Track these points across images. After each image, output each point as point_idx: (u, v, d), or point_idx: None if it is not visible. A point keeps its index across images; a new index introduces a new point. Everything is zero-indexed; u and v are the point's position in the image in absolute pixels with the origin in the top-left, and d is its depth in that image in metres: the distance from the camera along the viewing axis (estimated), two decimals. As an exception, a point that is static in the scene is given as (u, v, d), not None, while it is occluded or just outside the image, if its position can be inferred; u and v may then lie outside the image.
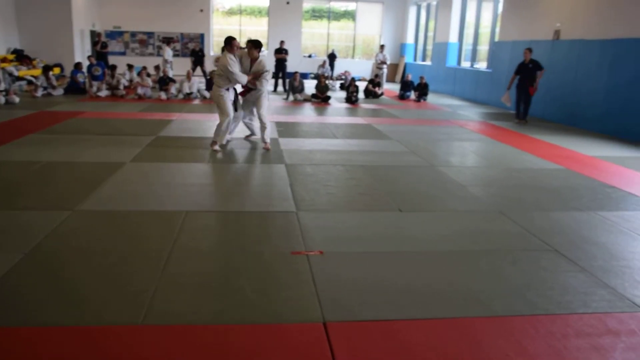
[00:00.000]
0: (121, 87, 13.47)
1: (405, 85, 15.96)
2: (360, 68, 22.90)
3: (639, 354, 2.60)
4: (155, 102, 12.34)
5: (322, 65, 17.79)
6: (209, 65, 17.54)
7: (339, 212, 4.72)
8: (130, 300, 2.93)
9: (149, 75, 14.02)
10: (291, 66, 17.78)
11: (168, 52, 17.39)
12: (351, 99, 13.86)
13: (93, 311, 2.80)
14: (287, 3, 22.33)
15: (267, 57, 7.55)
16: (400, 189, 5.49)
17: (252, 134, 7.93)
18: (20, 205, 4.54)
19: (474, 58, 17.10)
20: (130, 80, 14.76)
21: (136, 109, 11.13)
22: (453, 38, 17.94)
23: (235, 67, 6.81)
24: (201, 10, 22.05)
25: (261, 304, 2.97)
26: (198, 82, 14.06)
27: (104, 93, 13.18)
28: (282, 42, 16.24)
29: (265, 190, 5.45)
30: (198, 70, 17.73)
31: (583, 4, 10.74)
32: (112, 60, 17.08)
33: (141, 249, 3.66)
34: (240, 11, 23.44)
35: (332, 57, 20.64)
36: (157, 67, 15.53)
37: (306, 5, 23.30)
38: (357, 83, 15.02)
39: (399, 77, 22.09)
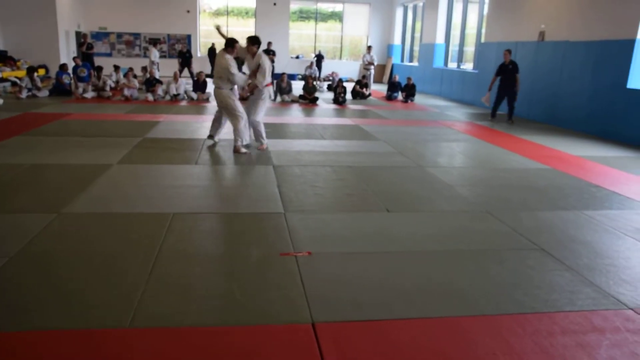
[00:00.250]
0: (107, 88, 13.37)
1: (393, 86, 16.03)
2: (347, 69, 22.96)
3: (623, 351, 2.64)
4: (142, 104, 12.27)
5: (310, 67, 17.81)
6: (197, 67, 17.47)
7: (327, 213, 4.72)
8: (118, 302, 2.91)
9: (135, 76, 13.93)
10: (279, 67, 17.77)
11: (155, 53, 17.30)
12: (339, 100, 13.88)
13: (80, 314, 2.78)
14: (274, 4, 22.33)
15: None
16: (387, 190, 5.50)
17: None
18: (5, 208, 4.48)
19: (460, 59, 17.22)
20: (117, 82, 14.66)
21: (123, 110, 11.06)
22: (440, 39, 18.05)
23: (235, 68, 6.79)
24: (188, 12, 21.96)
25: (249, 305, 2.96)
26: (185, 84, 14.00)
27: (90, 94, 13.08)
28: (269, 44, 16.21)
29: (253, 191, 5.44)
30: (185, 71, 17.66)
31: (567, 5, 10.86)
32: (98, 61, 16.96)
33: (128, 251, 3.63)
34: (227, 12, 23.39)
35: (319, 58, 20.66)
36: (144, 69, 15.44)
37: (293, 7, 23.32)
38: (345, 84, 15.05)
39: (386, 78, 22.17)
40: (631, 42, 9.03)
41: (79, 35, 19.32)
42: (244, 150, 7.03)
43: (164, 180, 5.56)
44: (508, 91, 11.12)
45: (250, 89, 7.12)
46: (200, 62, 20.43)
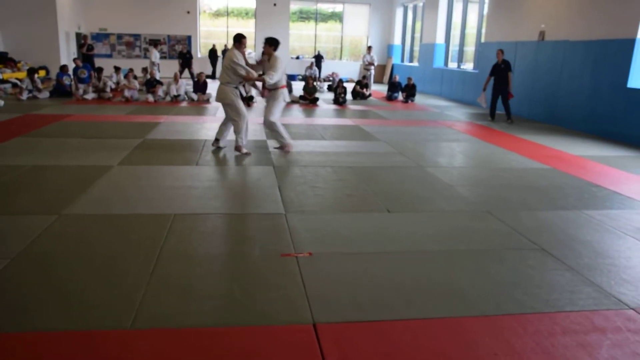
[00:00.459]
0: (108, 89, 13.38)
1: (393, 87, 16.03)
2: (347, 69, 22.98)
3: (624, 351, 2.63)
4: (142, 105, 12.28)
5: (310, 67, 17.82)
6: (197, 68, 17.48)
7: (327, 213, 4.72)
8: (119, 303, 2.91)
9: (136, 77, 13.94)
10: (279, 68, 17.74)
11: (155, 54, 17.33)
12: (339, 101, 13.88)
13: (80, 315, 2.78)
14: (274, 5, 22.34)
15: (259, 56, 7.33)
16: (388, 190, 5.51)
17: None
18: (6, 209, 4.49)
19: (460, 59, 17.22)
20: (117, 83, 14.67)
21: (123, 111, 11.07)
22: (440, 39, 18.05)
23: (241, 60, 6.73)
24: (188, 12, 21.97)
25: (250, 306, 2.96)
26: (185, 85, 14.00)
27: (90, 96, 13.08)
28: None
29: (253, 192, 5.45)
30: (185, 72, 17.67)
31: (567, 5, 10.86)
32: (98, 62, 16.98)
33: (129, 252, 3.64)
34: (227, 13, 23.40)
35: (318, 58, 20.67)
36: (144, 70, 15.46)
37: (293, 7, 23.33)
38: (345, 84, 15.05)
39: (386, 78, 22.17)
40: (631, 42, 9.03)
41: (80, 37, 19.34)
42: (245, 150, 7.02)
43: (164, 181, 5.57)
44: (502, 90, 11.17)
45: (260, 81, 6.90)
46: (200, 63, 20.45)
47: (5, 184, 5.31)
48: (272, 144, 7.75)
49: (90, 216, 4.39)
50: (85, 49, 16.75)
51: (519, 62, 12.63)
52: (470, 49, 16.78)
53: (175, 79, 13.49)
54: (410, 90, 15.30)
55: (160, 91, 13.28)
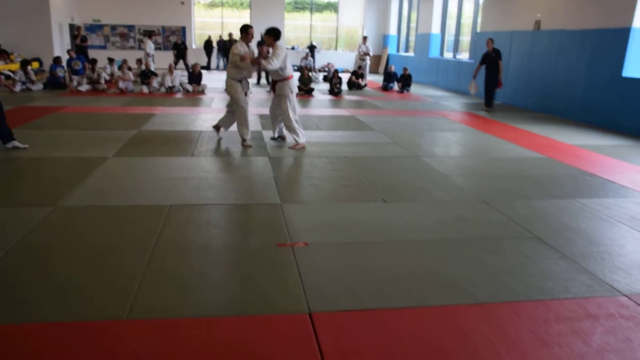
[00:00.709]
0: (102, 81, 13.31)
1: (389, 77, 16.01)
2: (343, 60, 22.91)
3: (617, 337, 2.66)
4: (137, 96, 12.22)
5: (305, 58, 17.75)
6: (192, 59, 17.40)
7: (323, 203, 4.73)
8: (115, 295, 2.91)
9: (130, 68, 13.87)
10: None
11: (150, 45, 17.21)
12: (334, 91, 13.86)
13: (76, 307, 2.79)
14: (269, -5, 22.22)
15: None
16: (384, 180, 5.51)
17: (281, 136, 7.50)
18: (1, 201, 4.47)
19: (456, 49, 17.19)
20: (112, 74, 14.60)
21: (118, 103, 11.02)
22: (435, 29, 18.00)
23: (242, 51, 6.64)
24: (182, 3, 21.84)
25: (247, 296, 2.97)
26: (180, 76, 13.94)
27: (84, 87, 13.02)
28: (262, 35, 16.12)
29: (249, 182, 5.45)
30: (180, 63, 17.58)
31: (563, -6, 10.84)
32: (92, 54, 16.88)
33: (125, 244, 3.64)
34: (222, 3, 23.26)
35: (311, 49, 20.60)
36: (139, 61, 15.37)
37: (288, -3, 23.22)
38: (340, 75, 15.01)
39: (382, 68, 22.13)
40: (626, 31, 9.03)
41: (73, 28, 19.20)
42: (247, 143, 6.99)
43: (160, 173, 5.56)
44: (492, 79, 11.22)
45: (252, 62, 6.65)
46: (195, 54, 20.35)
47: (1, 176, 5.29)
48: (267, 134, 7.73)
49: (86, 208, 4.38)
50: (79, 40, 16.63)
51: (514, 52, 12.62)
52: (466, 38, 16.74)
53: (170, 70, 13.43)
54: (406, 81, 15.28)
55: (155, 82, 13.22)
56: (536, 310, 2.90)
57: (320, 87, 15.45)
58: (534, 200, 4.98)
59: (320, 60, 21.19)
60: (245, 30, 6.80)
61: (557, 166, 6.39)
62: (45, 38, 17.75)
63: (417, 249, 3.72)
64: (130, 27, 21.83)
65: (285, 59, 6.72)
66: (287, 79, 6.85)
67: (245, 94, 6.92)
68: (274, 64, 6.58)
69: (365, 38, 18.35)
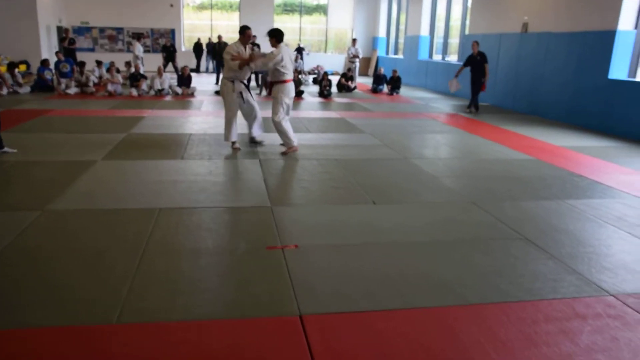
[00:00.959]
0: (91, 84, 13.25)
1: (378, 79, 16.06)
2: (332, 62, 22.95)
3: (604, 336, 2.69)
4: (126, 99, 12.16)
5: (295, 60, 17.74)
6: (181, 61, 17.34)
7: (313, 206, 4.73)
8: (105, 298, 2.90)
9: (119, 71, 13.80)
10: (264, 61, 17.64)
11: (138, 47, 17.15)
12: (324, 93, 13.88)
13: (65, 311, 2.77)
14: (259, -3, 22.21)
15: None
16: (373, 182, 5.53)
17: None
18: (-12, 206, 4.44)
19: (445, 51, 17.28)
20: (100, 77, 14.51)
21: (107, 106, 10.96)
22: (424, 31, 18.09)
23: (233, 49, 6.62)
24: (171, 5, 21.76)
25: (237, 299, 2.97)
26: (169, 78, 13.89)
27: (72, 90, 12.93)
28: (254, 37, 16.10)
29: (239, 185, 5.44)
30: (170, 66, 17.50)
31: (550, -3, 10.95)
32: (80, 56, 16.76)
33: (115, 247, 3.62)
34: (211, 6, 23.21)
35: (299, 51, 20.64)
36: (127, 63, 15.30)
37: (277, 0, 23.20)
38: (330, 77, 15.04)
39: (371, 70, 22.20)
40: (612, 33, 9.13)
41: (61, 30, 19.06)
42: (236, 146, 6.98)
43: (149, 176, 5.53)
44: (477, 81, 11.29)
45: (241, 64, 6.60)
46: (184, 57, 20.28)
47: (-13, 180, 5.24)
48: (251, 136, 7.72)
49: (74, 211, 4.35)
50: (67, 42, 16.51)
51: (502, 54, 12.72)
52: (454, 41, 16.84)
53: (159, 73, 13.38)
54: (395, 83, 15.34)
55: (144, 85, 13.17)
56: (525, 310, 2.93)
57: (310, 90, 15.47)
58: (522, 201, 5.02)
59: (310, 62, 21.20)
60: (242, 31, 6.80)
61: (545, 167, 6.45)
62: (33, 40, 17.60)
63: (407, 251, 3.74)
64: (119, 30, 21.72)
65: (280, 61, 6.48)
66: (282, 81, 6.62)
67: (242, 97, 6.91)
68: (258, 66, 6.60)
69: (354, 40, 18.41)
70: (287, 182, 5.51)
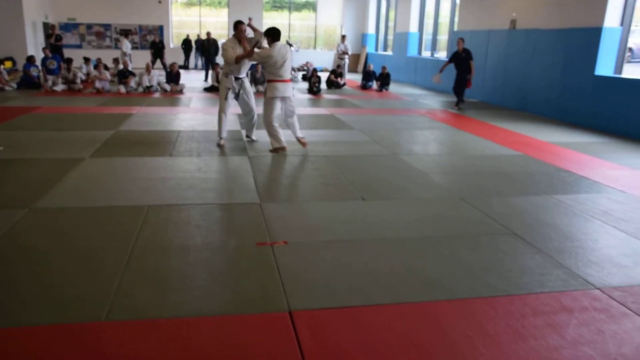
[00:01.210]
0: (78, 80, 13.11)
1: (367, 75, 16.07)
2: (322, 59, 22.92)
3: (590, 329, 2.73)
4: (114, 96, 12.07)
5: (284, 56, 17.70)
6: (169, 58, 17.23)
7: (302, 202, 4.74)
8: (93, 296, 2.88)
9: (107, 68, 13.69)
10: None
11: (126, 44, 17.00)
12: (313, 90, 13.87)
13: (54, 309, 2.75)
14: (247, -7, 22.12)
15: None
16: (363, 178, 5.54)
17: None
18: (-26, 204, 4.39)
19: (434, 47, 17.33)
20: (88, 74, 14.38)
21: (94, 103, 10.87)
22: (413, 28, 18.13)
23: (229, 48, 6.61)
24: (159, 2, 21.60)
25: (226, 295, 2.97)
26: (158, 75, 13.81)
27: (60, 87, 12.81)
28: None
29: (228, 182, 5.43)
30: (158, 63, 17.40)
31: (537, -7, 11.02)
32: (67, 53, 16.58)
33: (103, 245, 3.60)
34: (199, 2, 23.09)
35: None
36: (115, 60, 15.18)
37: (266, -4, 23.15)
38: (319, 74, 15.03)
39: (360, 67, 22.22)
40: (598, 30, 9.21)
41: (47, 27, 18.86)
42: (221, 142, 6.97)
43: (138, 173, 5.51)
44: (463, 78, 11.33)
45: (237, 59, 6.54)
46: (172, 54, 20.16)
47: (-27, 178, 5.19)
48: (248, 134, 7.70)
49: (61, 209, 4.32)
50: (54, 39, 16.34)
51: (491, 51, 12.78)
52: (443, 37, 16.89)
53: (148, 70, 13.29)
54: (384, 79, 15.36)
55: (133, 82, 13.07)
56: (513, 304, 2.96)
57: (299, 86, 15.45)
58: (510, 196, 5.06)
59: (299, 59, 21.16)
60: (236, 26, 6.78)
61: (532, 163, 6.50)
62: (19, 37, 17.39)
63: (396, 246, 3.75)
64: (107, 26, 21.54)
65: (267, 59, 6.36)
66: (274, 81, 6.46)
67: (238, 94, 6.91)
68: (255, 58, 6.61)
69: (343, 37, 18.40)
70: (276, 179, 5.51)
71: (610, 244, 3.93)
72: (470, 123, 9.63)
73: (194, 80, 16.32)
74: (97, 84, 12.74)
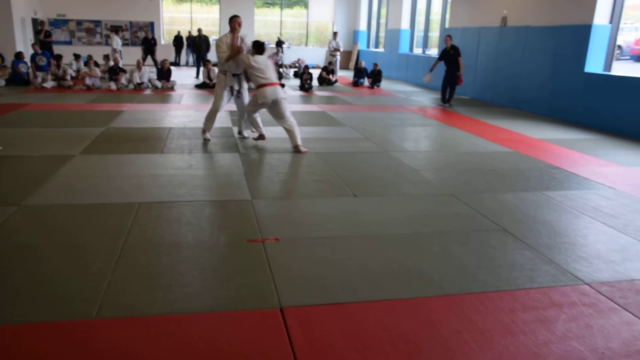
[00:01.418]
0: (68, 77, 13.01)
1: (359, 72, 16.07)
2: (313, 55, 22.91)
3: (579, 324, 2.75)
4: (104, 93, 12.00)
5: (276, 54, 17.69)
6: (160, 54, 17.14)
7: (293, 199, 4.74)
8: (84, 293, 2.87)
9: (97, 64, 13.60)
10: (244, 54, 17.55)
11: (117, 41, 16.89)
12: (305, 87, 13.86)
13: (44, 307, 2.74)
14: (239, -10, 22.03)
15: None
16: (354, 175, 5.55)
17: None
18: (-37, 201, 4.36)
19: (425, 44, 17.35)
20: (78, 71, 14.28)
21: (85, 100, 10.80)
22: (405, 25, 18.14)
23: (223, 45, 6.59)
24: (150, -2, 21.48)
25: (217, 292, 2.97)
26: (149, 72, 13.73)
27: (49, 84, 12.71)
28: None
29: (219, 179, 5.42)
30: (149, 60, 17.28)
31: (528, -9, 11.06)
32: (57, 49, 16.47)
33: (93, 242, 3.58)
34: (190, -2, 22.98)
35: (279, 44, 20.61)
36: (106, 57, 15.08)
37: (258, -7, 23.07)
38: (311, 70, 15.02)
39: (352, 64, 22.21)
40: (587, 27, 9.27)
41: (36, 23, 18.69)
42: (206, 136, 7.00)
43: (129, 170, 5.48)
44: (452, 76, 11.37)
45: (228, 58, 6.60)
46: (163, 50, 20.05)
47: (-39, 175, 5.14)
48: (237, 131, 7.68)
49: (52, 206, 4.30)
50: (43, 35, 16.20)
51: (482, 48, 12.82)
52: (435, 34, 16.92)
53: (138, 67, 13.21)
54: (376, 76, 15.38)
55: (123, 79, 13.00)
56: (503, 300, 2.98)
57: (291, 83, 15.43)
58: (501, 193, 5.09)
59: (291, 56, 21.13)
60: (230, 20, 6.76)
61: (523, 160, 6.53)
62: (7, 33, 17.21)
63: (387, 243, 3.76)
64: (97, 22, 21.38)
65: (250, 66, 6.47)
66: (260, 86, 6.51)
67: (234, 92, 6.93)
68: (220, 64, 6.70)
69: (335, 34, 18.40)
70: (267, 176, 5.50)
71: (599, 240, 3.96)
72: (462, 120, 9.67)
73: (185, 77, 16.26)
74: (88, 81, 12.65)
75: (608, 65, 9.41)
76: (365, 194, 4.91)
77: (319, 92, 13.68)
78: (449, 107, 11.41)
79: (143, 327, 2.59)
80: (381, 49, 20.79)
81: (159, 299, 2.86)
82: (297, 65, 19.13)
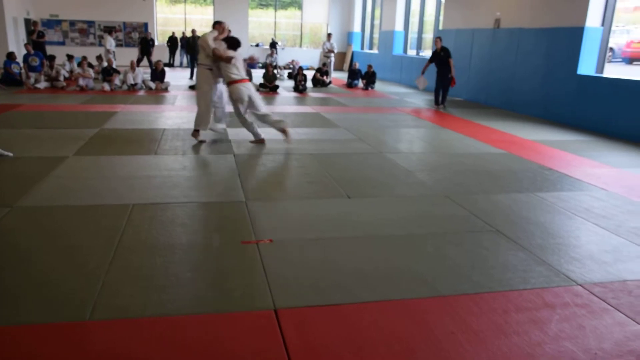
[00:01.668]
0: (61, 78, 12.96)
1: (353, 74, 16.10)
2: (307, 57, 22.92)
3: (572, 324, 2.77)
4: (98, 94, 11.96)
5: (271, 55, 17.69)
6: (154, 55, 17.08)
7: (288, 200, 4.74)
8: (77, 295, 2.86)
9: (90, 65, 13.54)
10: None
11: (110, 41, 16.83)
12: (299, 88, 13.86)
13: (37, 308, 2.72)
14: (233, -9, 22.02)
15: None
16: (348, 176, 5.56)
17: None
18: (-45, 203, 4.33)
19: (419, 46, 17.41)
20: (71, 71, 14.22)
21: (78, 101, 10.76)
22: (399, 26, 18.19)
23: (210, 40, 6.62)
24: (144, -1, 21.43)
25: (211, 293, 2.97)
26: (143, 73, 13.70)
27: (42, 85, 12.65)
28: (228, 32, 15.97)
29: (213, 180, 5.41)
30: (145, 60, 17.20)
31: (521, -7, 11.12)
32: (50, 50, 16.38)
33: (87, 244, 3.57)
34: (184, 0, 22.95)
35: (273, 45, 20.62)
36: (99, 58, 15.03)
37: (252, -6, 23.07)
38: (305, 72, 15.03)
39: (346, 65, 22.23)
40: (580, 30, 9.33)
41: (29, 23, 18.60)
42: (200, 138, 6.97)
43: (122, 171, 5.47)
44: (443, 77, 11.40)
45: (215, 56, 6.65)
46: (157, 51, 19.98)
47: (-47, 176, 5.11)
48: (232, 132, 7.68)
49: (45, 207, 4.28)
50: (36, 35, 16.13)
51: (476, 50, 12.88)
52: (428, 36, 16.97)
53: (132, 67, 13.18)
54: (370, 78, 15.40)
55: (117, 80, 12.96)
56: (496, 301, 2.99)
57: (285, 85, 15.44)
58: (494, 194, 5.11)
59: (285, 57, 21.14)
60: (214, 25, 6.92)
61: (516, 161, 6.56)
62: (-1, 34, 17.16)
63: (381, 244, 3.77)
64: (90, 23, 21.31)
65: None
66: (232, 82, 6.64)
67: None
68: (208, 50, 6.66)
69: (329, 35, 18.41)
70: (261, 177, 5.50)
71: (591, 241, 3.99)
72: (455, 121, 9.70)
73: (179, 78, 16.23)
74: (81, 82, 12.61)
75: (600, 68, 9.48)
76: (359, 195, 4.92)
77: (313, 94, 13.69)
78: (443, 108, 11.44)
79: (137, 328, 2.59)
80: (375, 51, 20.83)
81: (153, 300, 2.86)
82: (291, 66, 19.15)
